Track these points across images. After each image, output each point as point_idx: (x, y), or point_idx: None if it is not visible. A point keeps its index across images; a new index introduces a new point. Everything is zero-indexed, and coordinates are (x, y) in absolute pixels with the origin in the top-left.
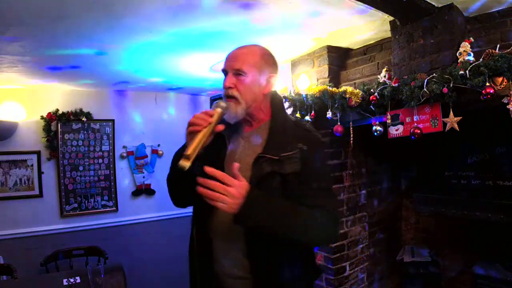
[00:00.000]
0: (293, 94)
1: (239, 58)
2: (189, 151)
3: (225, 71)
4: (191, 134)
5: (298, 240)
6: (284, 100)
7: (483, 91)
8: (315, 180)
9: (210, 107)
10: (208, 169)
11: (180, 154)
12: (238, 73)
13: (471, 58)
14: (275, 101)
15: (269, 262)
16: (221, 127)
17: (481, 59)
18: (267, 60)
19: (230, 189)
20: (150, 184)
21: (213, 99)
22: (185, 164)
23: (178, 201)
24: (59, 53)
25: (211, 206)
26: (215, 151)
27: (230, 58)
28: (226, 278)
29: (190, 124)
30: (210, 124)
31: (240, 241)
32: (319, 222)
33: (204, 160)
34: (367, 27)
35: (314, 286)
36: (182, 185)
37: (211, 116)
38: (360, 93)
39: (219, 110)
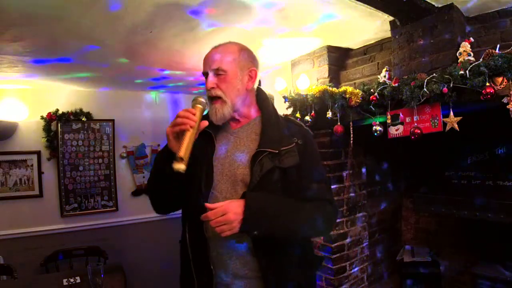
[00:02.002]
0: (293, 94)
1: (216, 58)
2: (181, 152)
3: (205, 74)
4: (176, 135)
5: (304, 234)
6: (284, 100)
7: (483, 91)
8: (314, 173)
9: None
10: (204, 216)
11: (165, 157)
12: (218, 72)
13: (471, 58)
14: (262, 97)
15: (278, 258)
16: (205, 123)
17: (481, 59)
18: (245, 55)
19: (227, 217)
20: None
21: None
22: (180, 166)
23: (162, 206)
24: (58, 54)
25: (205, 210)
26: (202, 150)
27: (208, 60)
28: (230, 279)
29: (176, 124)
30: (196, 123)
31: (247, 241)
32: (322, 214)
33: (192, 159)
34: (367, 27)
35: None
36: (169, 187)
37: (194, 114)
38: (360, 93)
39: (200, 107)
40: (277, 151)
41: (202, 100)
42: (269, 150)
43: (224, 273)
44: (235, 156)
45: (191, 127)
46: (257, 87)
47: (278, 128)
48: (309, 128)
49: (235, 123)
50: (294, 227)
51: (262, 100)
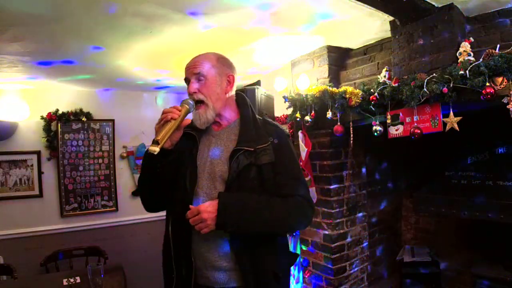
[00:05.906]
0: (293, 94)
1: (197, 64)
2: (159, 136)
3: (187, 80)
4: (161, 126)
5: (278, 228)
6: (284, 100)
7: (483, 91)
8: (288, 170)
9: None
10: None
11: (150, 155)
12: (199, 78)
13: (471, 58)
14: (240, 101)
15: (254, 250)
16: (188, 121)
17: (481, 59)
18: (223, 62)
19: (201, 216)
20: None
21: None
22: (155, 149)
23: (150, 204)
24: (59, 55)
25: (188, 207)
26: (187, 151)
27: (189, 67)
28: (209, 272)
29: (162, 116)
30: (179, 116)
31: (225, 235)
32: (295, 209)
33: (179, 160)
34: (367, 27)
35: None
36: (156, 184)
37: (179, 110)
38: (360, 93)
39: (186, 106)
40: (252, 149)
41: (190, 102)
42: (246, 148)
43: (203, 265)
44: (215, 155)
45: (172, 118)
46: (236, 91)
47: (255, 128)
48: (286, 128)
49: (217, 126)
50: (267, 221)
51: (241, 104)
